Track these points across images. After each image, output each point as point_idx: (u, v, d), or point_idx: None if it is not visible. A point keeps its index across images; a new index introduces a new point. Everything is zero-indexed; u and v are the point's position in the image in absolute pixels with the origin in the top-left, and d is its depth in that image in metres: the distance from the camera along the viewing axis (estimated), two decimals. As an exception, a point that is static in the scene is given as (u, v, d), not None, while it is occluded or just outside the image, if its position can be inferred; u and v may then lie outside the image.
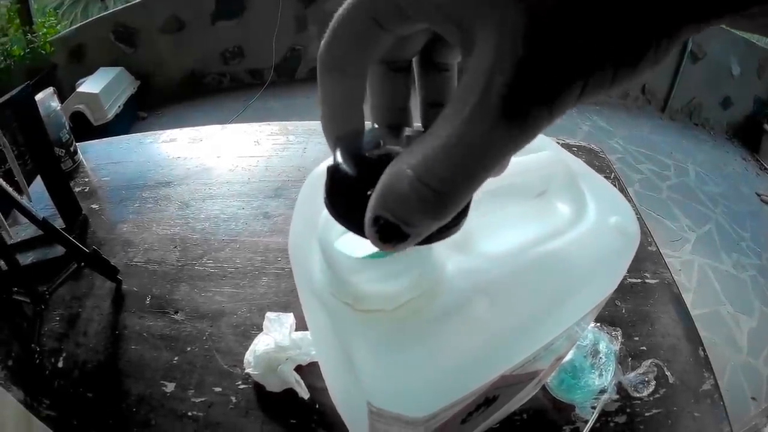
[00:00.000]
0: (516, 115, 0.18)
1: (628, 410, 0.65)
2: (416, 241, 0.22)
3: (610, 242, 0.39)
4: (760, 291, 2.45)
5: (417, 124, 0.30)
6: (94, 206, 1.03)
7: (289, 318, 0.70)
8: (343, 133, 0.27)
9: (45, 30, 3.26)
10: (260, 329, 0.70)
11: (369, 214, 0.21)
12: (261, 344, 0.67)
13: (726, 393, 0.68)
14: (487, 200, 0.37)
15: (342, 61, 0.25)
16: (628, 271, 0.76)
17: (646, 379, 0.66)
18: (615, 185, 0.98)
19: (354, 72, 0.25)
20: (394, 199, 0.20)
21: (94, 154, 1.21)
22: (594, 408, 0.63)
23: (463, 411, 0.40)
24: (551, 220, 0.40)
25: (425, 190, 0.19)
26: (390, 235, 0.21)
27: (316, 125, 1.21)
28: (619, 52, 0.17)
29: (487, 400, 0.43)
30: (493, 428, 0.60)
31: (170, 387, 0.69)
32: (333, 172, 0.25)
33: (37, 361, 0.72)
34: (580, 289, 0.39)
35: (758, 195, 3.06)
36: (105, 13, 3.61)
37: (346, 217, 0.26)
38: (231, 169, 1.10)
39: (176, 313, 0.79)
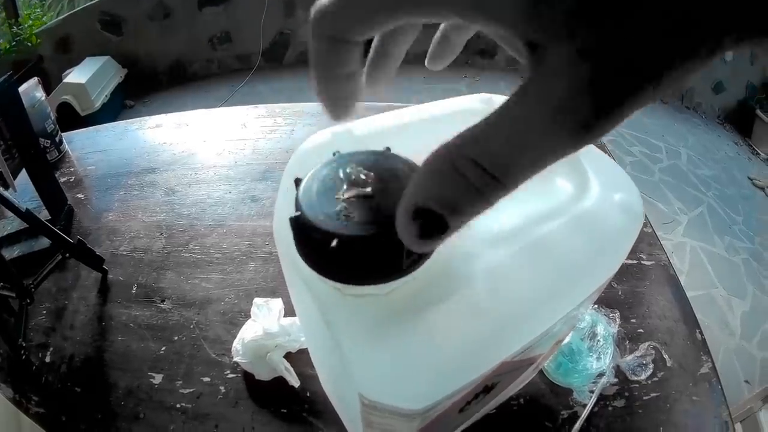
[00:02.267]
0: (585, 130, 0.18)
1: (626, 394, 0.64)
2: (454, 233, 0.21)
3: (614, 221, 0.37)
4: (753, 274, 2.46)
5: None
6: (79, 196, 1.01)
7: (278, 303, 0.68)
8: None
9: (31, 22, 3.21)
10: (248, 316, 0.68)
11: (407, 207, 0.20)
12: (249, 332, 0.65)
13: (719, 376, 0.67)
14: None
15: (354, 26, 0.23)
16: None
17: (644, 362, 0.65)
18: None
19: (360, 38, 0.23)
20: (440, 185, 0.19)
21: (79, 143, 1.18)
22: (592, 392, 0.62)
23: (462, 400, 0.38)
24: (552, 197, 0.38)
25: (477, 170, 0.19)
26: (431, 228, 0.20)
27: (304, 107, 1.20)
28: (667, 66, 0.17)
29: (486, 388, 0.41)
30: (490, 413, 0.59)
31: (158, 378, 0.68)
32: (296, 224, 0.27)
33: (24, 357, 0.70)
34: (583, 271, 0.37)
35: (750, 179, 3.07)
36: (91, 2, 3.55)
37: (320, 267, 0.28)
38: (218, 153, 1.09)
39: (163, 301, 0.77)
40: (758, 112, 3.45)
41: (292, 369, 0.64)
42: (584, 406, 0.61)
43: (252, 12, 3.59)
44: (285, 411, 0.63)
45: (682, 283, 0.78)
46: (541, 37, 0.18)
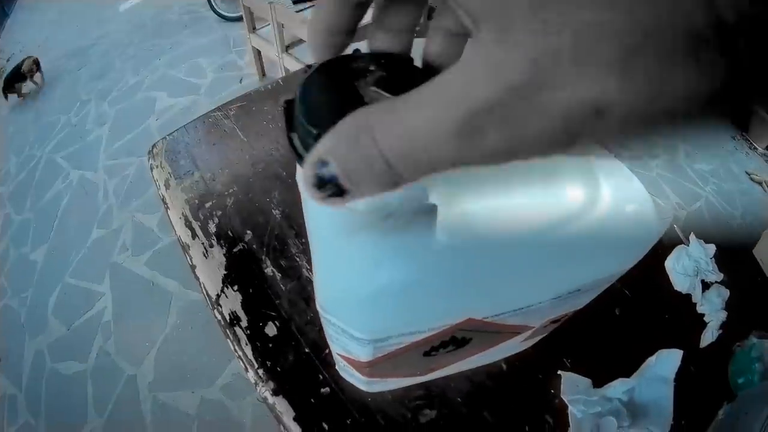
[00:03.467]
0: (469, 135, 0.17)
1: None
2: (348, 202, 0.20)
3: (624, 232, 0.34)
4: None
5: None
6: None
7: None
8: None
9: None
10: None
11: (314, 155, 0.20)
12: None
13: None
14: (485, 180, 0.33)
15: None
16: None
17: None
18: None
19: None
20: (344, 149, 0.19)
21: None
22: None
23: (424, 343, 0.38)
24: (559, 204, 0.34)
25: (375, 151, 0.18)
26: (326, 184, 0.20)
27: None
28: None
29: (455, 340, 0.40)
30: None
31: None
32: (286, 107, 0.25)
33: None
34: (584, 261, 0.35)
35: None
36: None
37: (299, 154, 0.24)
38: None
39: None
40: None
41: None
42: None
43: None
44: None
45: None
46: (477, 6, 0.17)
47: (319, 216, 0.31)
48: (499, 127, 0.16)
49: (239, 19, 3.29)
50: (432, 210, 0.28)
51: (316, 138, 0.21)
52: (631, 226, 0.34)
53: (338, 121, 0.20)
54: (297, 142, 0.24)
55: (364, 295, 0.29)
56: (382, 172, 0.19)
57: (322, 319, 0.36)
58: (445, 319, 0.34)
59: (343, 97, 0.23)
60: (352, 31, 0.26)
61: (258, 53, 3.07)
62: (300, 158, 0.23)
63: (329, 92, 0.23)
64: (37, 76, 3.64)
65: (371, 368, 0.43)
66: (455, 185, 0.30)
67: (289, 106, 0.24)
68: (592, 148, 0.38)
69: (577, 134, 0.16)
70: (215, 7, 3.81)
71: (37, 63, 3.61)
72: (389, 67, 0.25)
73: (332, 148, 0.19)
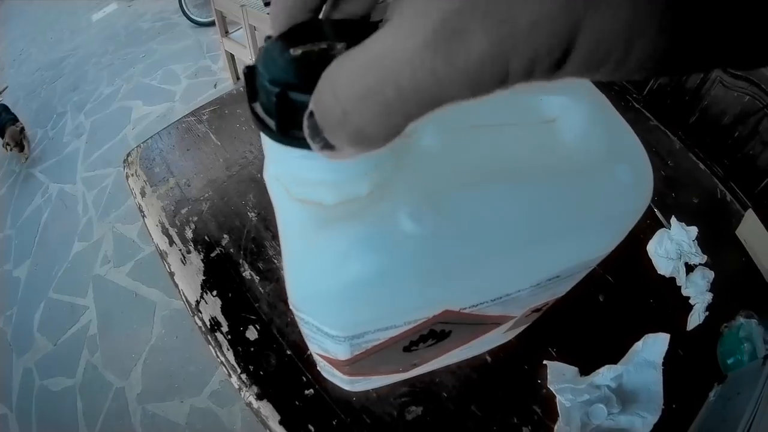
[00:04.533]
0: (447, 42, 0.14)
1: None
2: (338, 156, 0.18)
3: (614, 194, 0.32)
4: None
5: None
6: None
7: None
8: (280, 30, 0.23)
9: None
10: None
11: (310, 104, 0.18)
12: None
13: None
14: (481, 112, 0.31)
15: None
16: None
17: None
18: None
19: None
20: (318, 106, 0.17)
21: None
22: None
23: (402, 338, 0.36)
24: (550, 153, 0.32)
25: (340, 114, 0.16)
26: (318, 136, 0.18)
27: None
28: None
29: (434, 333, 0.39)
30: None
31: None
32: (247, 73, 0.22)
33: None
34: (561, 244, 0.33)
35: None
36: None
37: (261, 122, 0.22)
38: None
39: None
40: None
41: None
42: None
43: None
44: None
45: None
46: None
47: (288, 212, 0.30)
48: (483, 22, 0.13)
49: (212, 23, 3.26)
50: (398, 196, 0.27)
51: (279, 98, 0.20)
52: (623, 191, 0.32)
53: (300, 80, 0.19)
54: (259, 110, 0.22)
55: (334, 289, 0.28)
56: (339, 121, 0.17)
57: (297, 319, 0.35)
58: (420, 312, 0.33)
59: (308, 58, 0.21)
60: (318, 9, 0.23)
61: (231, 57, 3.04)
62: (262, 125, 0.22)
63: (293, 53, 0.21)
64: (25, 145, 3.01)
65: (351, 366, 0.42)
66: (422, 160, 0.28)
67: (250, 72, 0.22)
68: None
69: (580, 15, 0.13)
70: (187, 12, 3.76)
71: (22, 129, 3.02)
72: (355, 30, 0.23)
73: (313, 97, 0.17)
